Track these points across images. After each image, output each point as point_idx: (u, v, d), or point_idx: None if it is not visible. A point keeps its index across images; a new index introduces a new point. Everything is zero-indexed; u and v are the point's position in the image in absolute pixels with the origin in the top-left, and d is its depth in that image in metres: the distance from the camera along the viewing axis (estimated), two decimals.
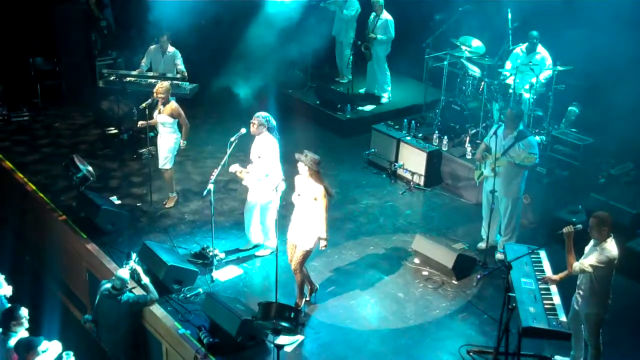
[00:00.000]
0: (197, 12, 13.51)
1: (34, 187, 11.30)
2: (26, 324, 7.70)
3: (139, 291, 8.73)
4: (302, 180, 8.48)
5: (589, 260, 7.36)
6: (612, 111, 11.41)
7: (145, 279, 8.70)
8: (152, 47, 12.76)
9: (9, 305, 8.13)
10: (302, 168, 8.39)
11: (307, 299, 8.99)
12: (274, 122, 9.43)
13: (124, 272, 8.50)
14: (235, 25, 13.60)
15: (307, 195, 8.39)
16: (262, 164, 9.32)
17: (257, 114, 9.40)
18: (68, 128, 13.81)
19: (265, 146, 9.33)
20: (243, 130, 9.42)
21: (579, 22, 11.50)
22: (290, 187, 8.73)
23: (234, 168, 9.48)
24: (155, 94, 10.49)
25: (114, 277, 8.51)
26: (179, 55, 12.69)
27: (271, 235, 9.77)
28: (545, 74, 11.57)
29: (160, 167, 10.79)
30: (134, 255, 8.88)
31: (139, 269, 8.78)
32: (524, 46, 11.92)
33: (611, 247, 7.37)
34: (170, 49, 12.67)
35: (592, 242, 7.54)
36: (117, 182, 11.83)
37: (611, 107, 11.46)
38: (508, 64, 12.05)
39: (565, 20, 11.79)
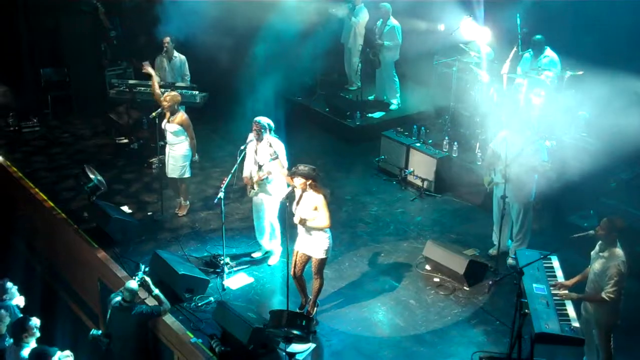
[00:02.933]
0: (206, 20, 13.54)
1: (45, 197, 11.33)
2: (37, 334, 7.72)
3: (151, 301, 8.72)
4: (300, 192, 8.45)
5: (607, 288, 7.32)
6: (623, 115, 11.35)
7: (156, 290, 8.69)
8: (157, 57, 12.78)
9: (22, 315, 8.16)
10: (299, 181, 8.35)
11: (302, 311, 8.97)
12: (272, 124, 9.45)
13: (133, 284, 8.44)
14: (245, 33, 13.64)
15: (308, 205, 8.37)
16: (275, 165, 9.33)
17: (257, 119, 9.38)
18: (78, 138, 13.87)
19: (275, 147, 9.36)
20: (251, 138, 9.44)
21: (589, 27, 11.46)
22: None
23: (252, 173, 9.48)
24: (161, 103, 10.54)
25: (122, 290, 8.48)
26: (185, 61, 12.72)
27: (277, 238, 9.89)
28: (549, 73, 11.49)
29: (177, 176, 10.80)
30: (142, 267, 8.80)
31: (148, 280, 8.72)
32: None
33: (620, 254, 7.34)
34: (177, 54, 12.71)
35: (597, 247, 7.52)
36: (127, 192, 11.87)
37: (622, 111, 11.39)
38: (519, 70, 12.01)
39: (574, 25, 11.76)
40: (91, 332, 8.78)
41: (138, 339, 8.55)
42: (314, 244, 8.49)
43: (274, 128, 9.44)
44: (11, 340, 7.74)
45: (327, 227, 8.40)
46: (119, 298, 8.47)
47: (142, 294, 8.65)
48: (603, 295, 7.32)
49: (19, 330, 7.67)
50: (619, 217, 7.51)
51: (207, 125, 13.76)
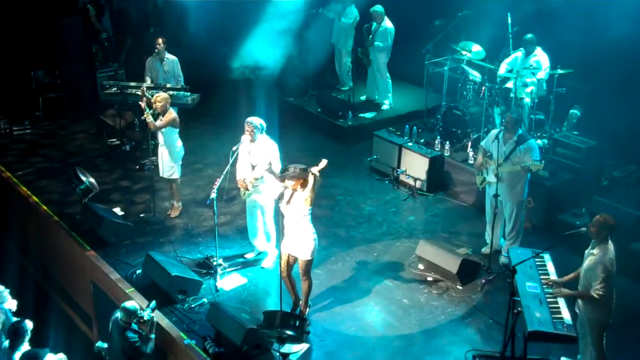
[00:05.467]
0: (198, 21, 13.55)
1: (37, 200, 11.31)
2: (29, 335, 7.70)
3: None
4: (290, 190, 8.42)
5: (595, 285, 7.34)
6: (614, 113, 11.40)
7: (154, 335, 8.21)
8: (149, 58, 12.78)
9: (15, 319, 8.13)
10: (290, 183, 8.31)
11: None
12: (264, 124, 9.45)
13: (129, 304, 8.14)
14: (236, 34, 13.65)
15: (297, 202, 8.34)
16: (268, 165, 9.33)
17: (249, 119, 9.39)
18: (70, 140, 13.84)
19: (268, 148, 9.38)
20: (244, 139, 9.43)
21: (579, 25, 11.49)
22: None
23: (246, 175, 9.48)
24: (153, 104, 10.51)
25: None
26: (178, 62, 12.71)
27: (272, 240, 9.88)
28: (540, 74, 11.52)
29: (167, 177, 10.79)
30: (152, 305, 8.30)
31: (155, 320, 8.22)
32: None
33: (609, 252, 7.36)
34: (169, 56, 12.69)
35: (590, 245, 7.55)
36: (120, 193, 11.84)
37: (613, 109, 11.45)
38: (502, 67, 11.98)
39: (565, 23, 11.78)
40: (96, 345, 8.63)
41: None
42: (299, 245, 8.47)
43: (265, 128, 9.45)
44: (6, 344, 7.71)
45: (308, 208, 8.30)
46: (118, 315, 8.20)
47: (144, 328, 8.25)
48: (592, 292, 7.34)
49: (14, 332, 7.65)
50: (610, 215, 7.53)
51: (199, 126, 13.76)
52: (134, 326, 8.11)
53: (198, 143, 12.97)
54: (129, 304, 8.16)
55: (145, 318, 8.08)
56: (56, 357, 7.58)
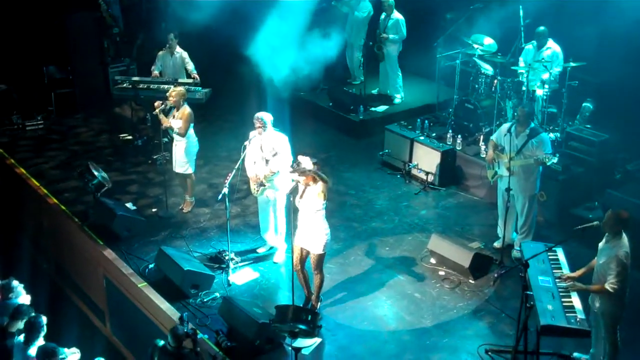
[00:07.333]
0: (208, 14, 13.52)
1: (49, 195, 11.35)
2: (44, 331, 7.73)
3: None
4: (304, 186, 8.44)
5: (610, 279, 7.31)
6: (627, 106, 11.33)
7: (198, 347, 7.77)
8: (161, 52, 12.83)
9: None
10: (301, 177, 8.33)
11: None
12: (272, 118, 9.45)
13: (174, 328, 7.60)
14: (247, 28, 13.62)
15: (311, 197, 8.36)
16: (281, 159, 9.36)
17: (258, 115, 9.41)
18: (82, 135, 13.88)
19: (278, 142, 9.40)
20: (253, 135, 9.44)
21: (592, 17, 11.43)
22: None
23: (259, 170, 9.49)
24: (168, 99, 10.54)
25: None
26: (188, 56, 12.74)
27: (281, 234, 9.90)
28: (556, 69, 11.48)
29: (182, 172, 10.81)
30: (185, 318, 7.91)
31: (197, 334, 7.80)
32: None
33: (624, 245, 7.33)
34: (179, 50, 12.73)
35: (604, 239, 7.52)
36: (132, 188, 11.88)
37: (626, 102, 11.38)
38: (522, 61, 11.98)
39: (577, 15, 11.73)
40: None
41: None
42: (312, 239, 8.49)
43: (273, 123, 9.45)
44: (20, 339, 7.75)
45: (323, 202, 8.32)
46: (163, 342, 7.70)
47: (187, 344, 7.77)
48: (606, 286, 7.32)
49: (30, 329, 7.68)
50: (623, 209, 7.50)
51: (210, 121, 13.76)
52: (186, 351, 7.59)
53: (212, 139, 12.97)
54: (173, 328, 7.63)
55: (187, 332, 7.65)
56: (69, 351, 7.62)
